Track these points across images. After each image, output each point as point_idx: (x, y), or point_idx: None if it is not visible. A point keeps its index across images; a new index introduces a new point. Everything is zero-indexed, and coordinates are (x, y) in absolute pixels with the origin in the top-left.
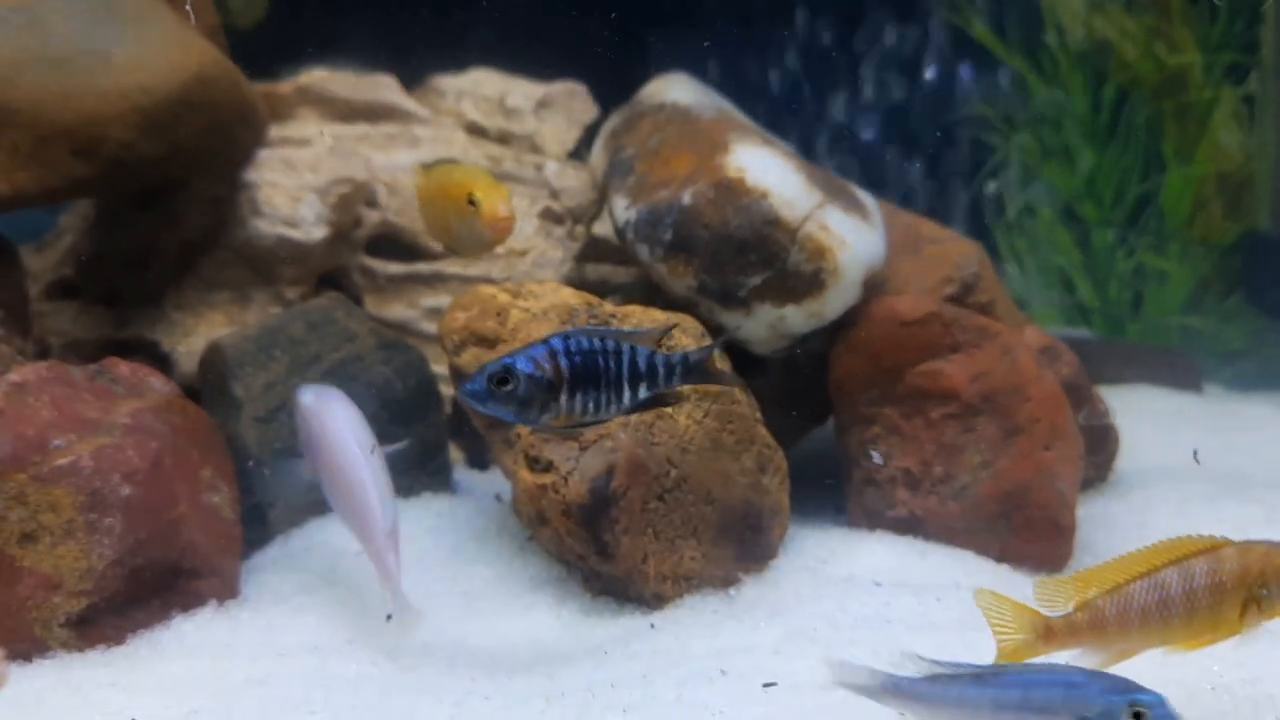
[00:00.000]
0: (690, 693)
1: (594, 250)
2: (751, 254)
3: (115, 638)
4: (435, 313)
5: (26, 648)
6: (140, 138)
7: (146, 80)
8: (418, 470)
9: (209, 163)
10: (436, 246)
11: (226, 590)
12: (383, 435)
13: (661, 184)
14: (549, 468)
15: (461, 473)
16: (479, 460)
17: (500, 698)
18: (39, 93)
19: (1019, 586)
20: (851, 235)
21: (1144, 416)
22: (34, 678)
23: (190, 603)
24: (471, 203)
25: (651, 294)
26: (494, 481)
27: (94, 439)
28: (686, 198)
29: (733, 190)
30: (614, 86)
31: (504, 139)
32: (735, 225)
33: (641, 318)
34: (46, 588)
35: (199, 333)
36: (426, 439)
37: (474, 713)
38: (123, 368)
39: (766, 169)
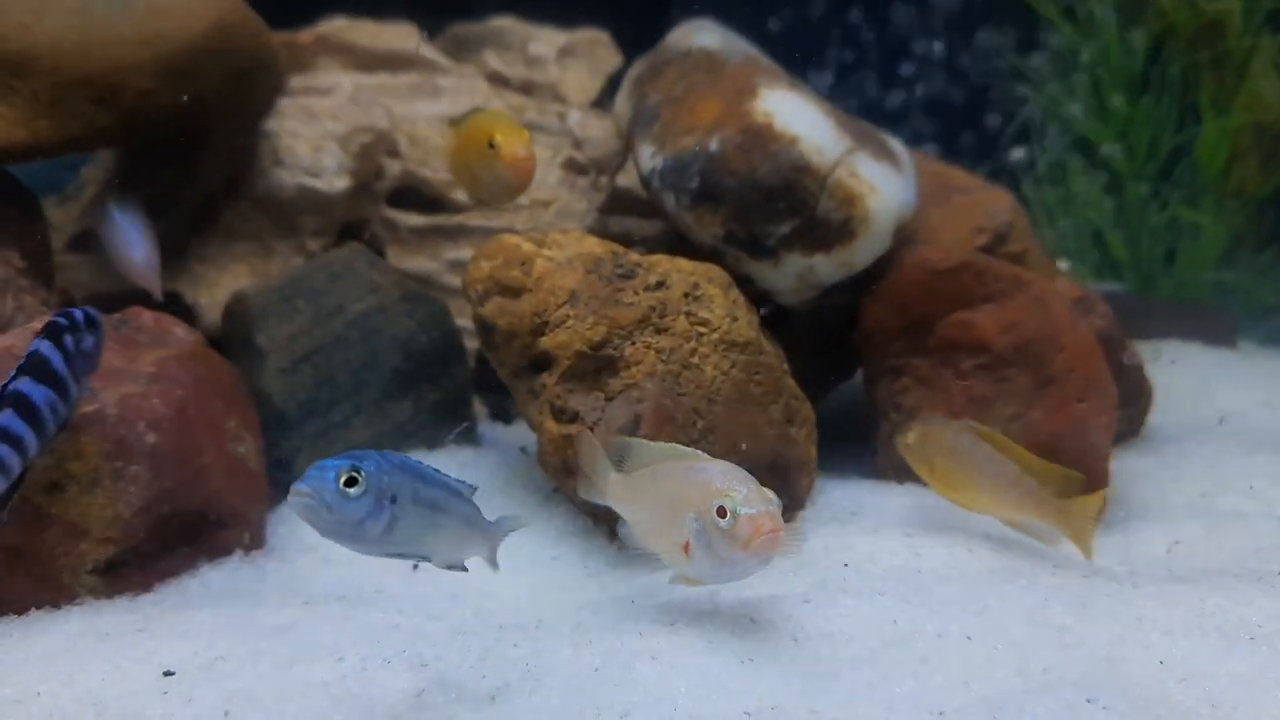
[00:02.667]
0: (720, 640)
1: (617, 202)
2: (780, 202)
3: (143, 585)
4: (458, 265)
5: (55, 595)
6: (160, 86)
7: (166, 27)
8: (442, 422)
9: (229, 112)
10: (460, 198)
11: (253, 540)
12: (406, 386)
13: (688, 131)
14: (575, 418)
15: (485, 426)
16: (503, 414)
17: (528, 645)
18: (59, 40)
19: (1053, 538)
20: (882, 182)
21: (1177, 372)
22: (63, 624)
23: (217, 552)
24: (492, 145)
25: (675, 247)
26: (518, 435)
27: (119, 387)
28: (714, 145)
29: (761, 136)
30: (637, 34)
31: (526, 88)
32: (763, 172)
33: (668, 267)
34: (74, 535)
35: (222, 284)
36: (451, 391)
37: (502, 659)
38: (146, 317)
39: (795, 114)
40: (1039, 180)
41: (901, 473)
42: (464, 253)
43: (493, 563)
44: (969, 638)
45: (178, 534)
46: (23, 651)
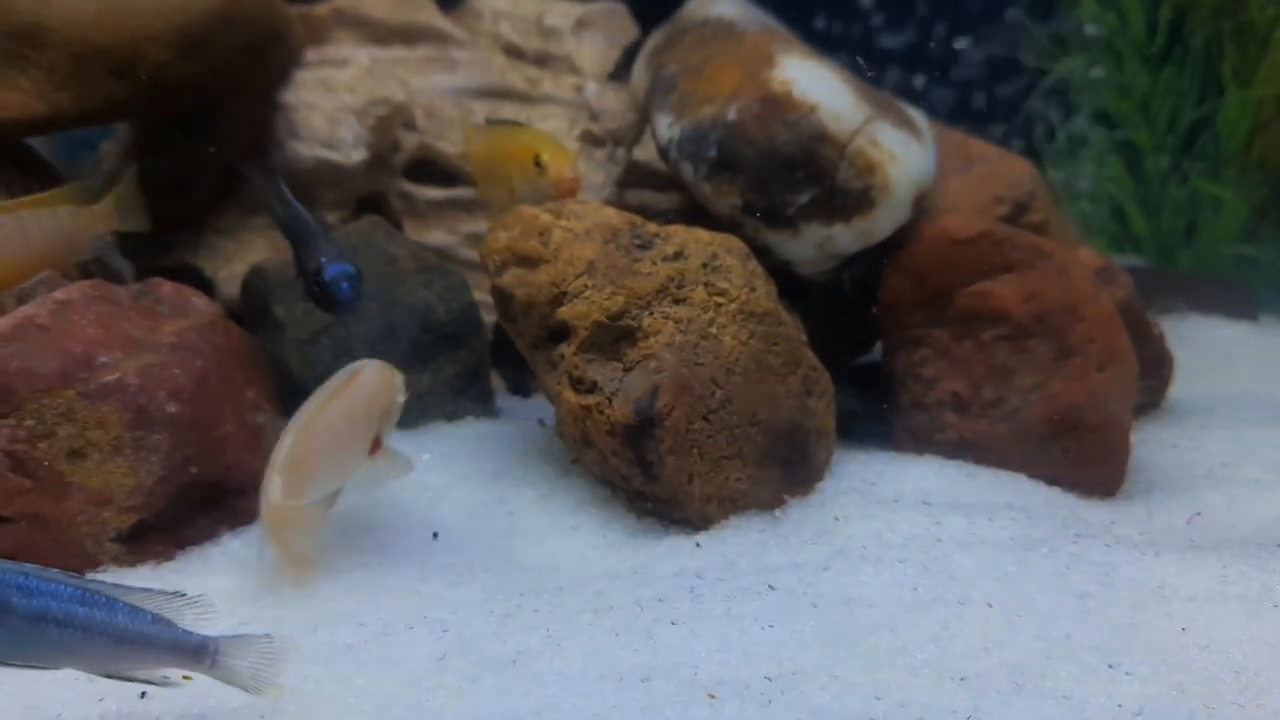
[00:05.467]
0: (739, 606)
1: (634, 175)
2: (799, 171)
3: (164, 554)
4: (475, 238)
5: (79, 562)
6: (176, 57)
7: None
8: (461, 395)
9: (245, 83)
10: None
11: None
12: (424, 358)
13: (706, 100)
14: (593, 389)
15: (503, 399)
16: (520, 387)
17: (549, 611)
18: (75, 11)
19: (1073, 510)
20: (902, 151)
21: (1198, 345)
22: None
23: (237, 520)
24: (538, 164)
25: (693, 220)
26: (535, 407)
27: (140, 357)
28: (731, 114)
29: (779, 105)
30: (652, 5)
31: (542, 60)
32: (782, 141)
33: (686, 237)
34: (96, 503)
35: (240, 258)
36: (469, 363)
37: (523, 625)
38: (166, 288)
39: (814, 82)
40: (1059, 154)
41: (920, 443)
42: (481, 226)
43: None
44: (990, 605)
45: (199, 502)
46: None
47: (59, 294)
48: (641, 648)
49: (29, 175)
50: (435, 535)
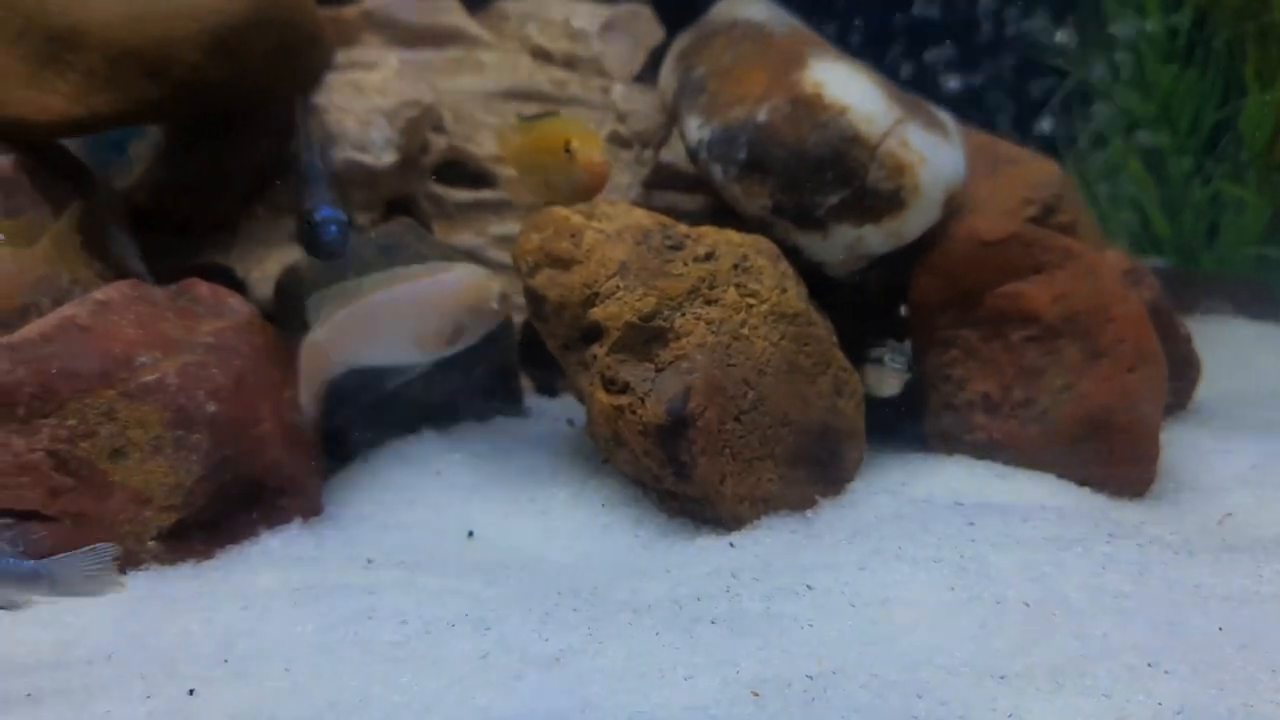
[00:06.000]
0: (777, 606)
1: (660, 176)
2: (829, 172)
3: (204, 552)
4: (503, 240)
5: (121, 561)
6: (210, 60)
7: (216, 2)
8: (491, 394)
9: (278, 86)
10: (506, 173)
11: (310, 508)
12: (457, 360)
13: (735, 102)
14: (625, 389)
15: (531, 399)
16: (548, 388)
17: (587, 609)
18: (111, 14)
19: (1104, 510)
20: (932, 152)
21: (1222, 346)
22: (129, 589)
23: (276, 519)
24: (568, 151)
25: (719, 222)
26: (564, 407)
27: (179, 357)
28: (762, 115)
29: (810, 106)
30: (677, 8)
31: (569, 62)
32: (812, 142)
33: (717, 239)
34: (137, 502)
35: (271, 259)
36: (499, 363)
37: (563, 623)
38: (202, 288)
39: (845, 84)
40: (1080, 155)
41: (950, 444)
42: (509, 228)
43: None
44: (1027, 604)
45: (238, 501)
46: (92, 614)
47: (98, 294)
48: (682, 646)
49: (64, 178)
50: (470, 534)
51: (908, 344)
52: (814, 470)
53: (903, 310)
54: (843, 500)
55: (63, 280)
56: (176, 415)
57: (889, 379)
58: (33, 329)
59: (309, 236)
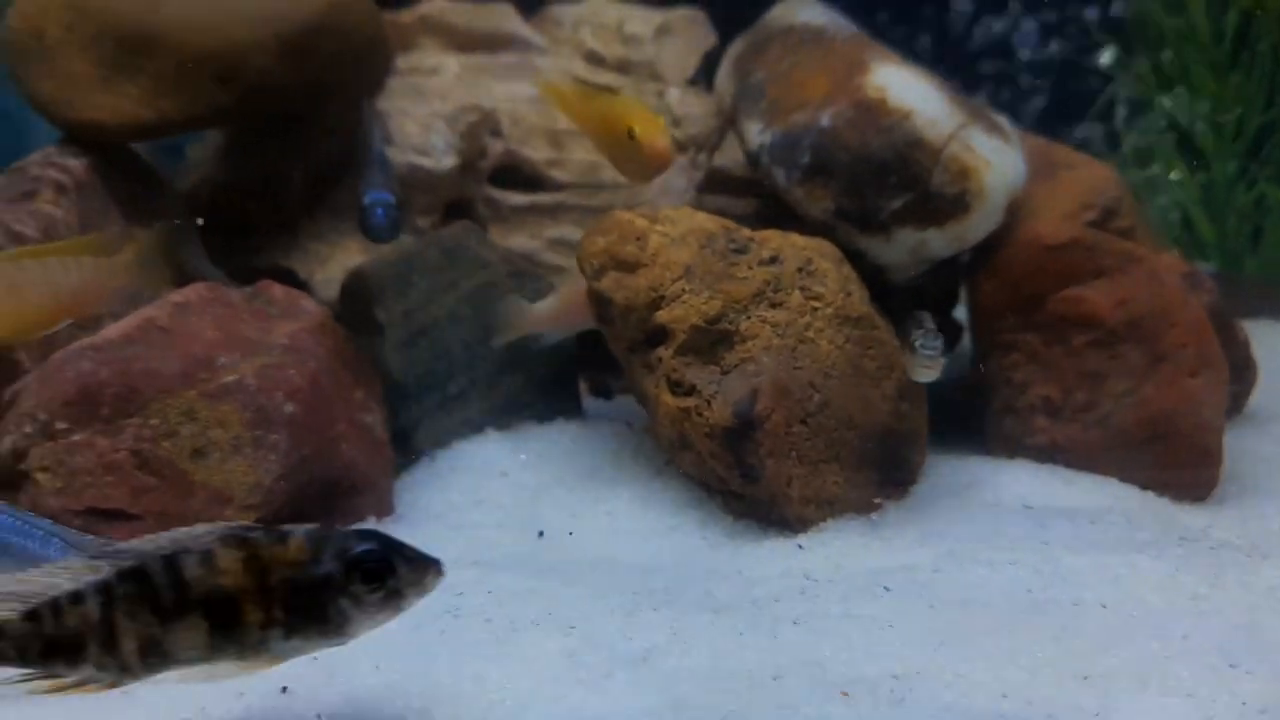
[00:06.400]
0: (856, 607)
1: (713, 181)
2: (892, 176)
3: None
4: (558, 244)
5: None
6: (278, 64)
7: (285, 6)
8: (550, 396)
9: (343, 90)
10: (560, 176)
11: (383, 507)
12: (517, 361)
13: (797, 106)
14: (691, 391)
15: (586, 402)
16: (602, 389)
17: (667, 609)
18: (182, 19)
19: (1169, 514)
20: (995, 157)
21: (1272, 351)
22: None
23: (350, 519)
24: (631, 136)
25: (769, 225)
26: (620, 409)
27: (256, 358)
28: (825, 119)
29: (873, 111)
30: (727, 12)
31: (623, 67)
32: (876, 146)
33: (780, 242)
34: (218, 501)
35: (335, 260)
36: (559, 366)
37: (645, 622)
38: (276, 290)
39: (908, 89)
40: (1124, 160)
41: (1011, 447)
42: (564, 231)
43: None
44: (1104, 606)
45: (314, 501)
46: None
47: (176, 296)
48: (767, 646)
49: (134, 180)
50: (540, 534)
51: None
52: (878, 473)
53: (956, 314)
54: (907, 503)
55: (143, 293)
56: (256, 416)
57: (923, 366)
58: (114, 330)
59: (360, 220)
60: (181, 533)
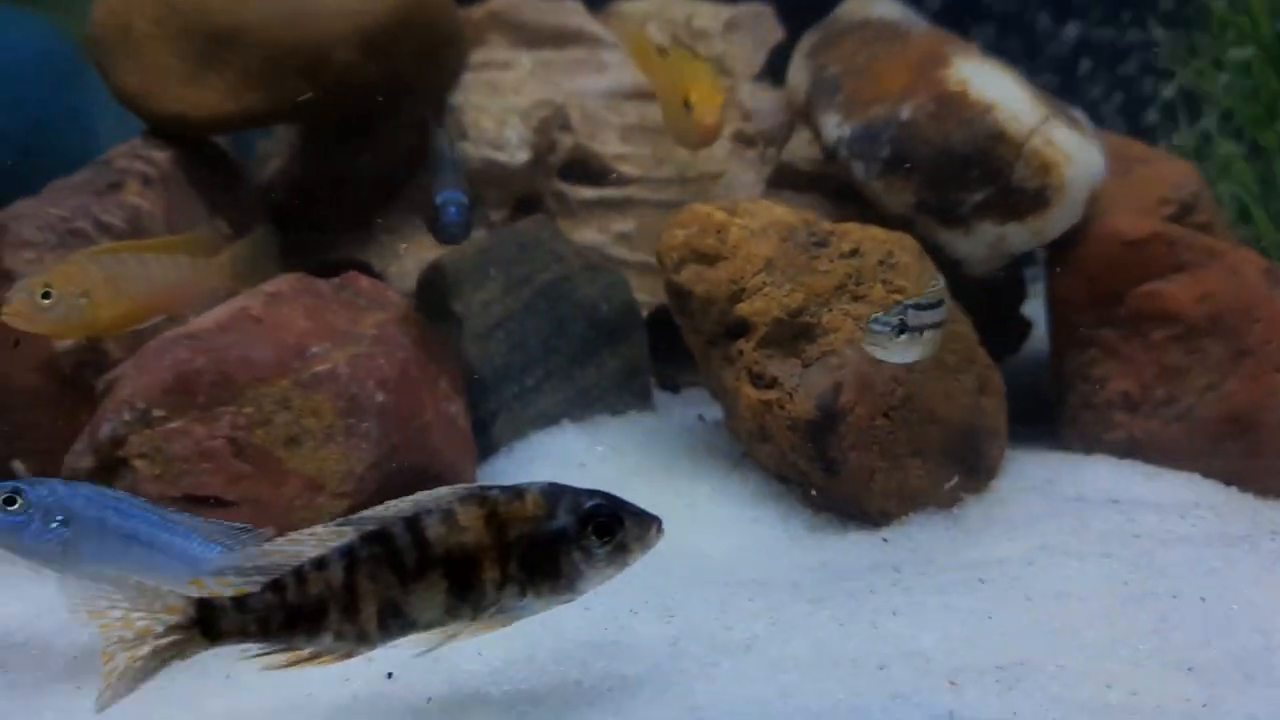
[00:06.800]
0: (953, 599)
1: (781, 175)
2: (974, 169)
3: None
4: (625, 238)
5: None
6: (360, 59)
7: (366, 3)
8: (622, 389)
9: (421, 85)
10: (628, 171)
11: None
12: (590, 353)
13: (875, 100)
14: (773, 384)
15: (655, 395)
16: (669, 383)
17: (762, 600)
18: (267, 13)
19: (1255, 508)
20: (1077, 151)
21: None
22: None
23: None
24: (687, 105)
25: (839, 220)
26: (689, 402)
27: (347, 348)
28: (905, 112)
29: (955, 104)
30: (798, 8)
31: None
32: (958, 140)
33: (861, 235)
34: (311, 489)
35: (408, 254)
36: (631, 359)
37: (744, 613)
38: (363, 282)
39: (989, 82)
40: (1185, 156)
41: (1089, 443)
42: (631, 225)
43: None
44: (1203, 599)
45: (403, 489)
46: None
47: (268, 286)
48: (868, 637)
49: (217, 173)
50: None
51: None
52: (958, 467)
53: (1023, 310)
54: (988, 497)
55: (236, 295)
56: (348, 404)
57: (870, 343)
58: (208, 319)
59: (431, 219)
60: (422, 495)
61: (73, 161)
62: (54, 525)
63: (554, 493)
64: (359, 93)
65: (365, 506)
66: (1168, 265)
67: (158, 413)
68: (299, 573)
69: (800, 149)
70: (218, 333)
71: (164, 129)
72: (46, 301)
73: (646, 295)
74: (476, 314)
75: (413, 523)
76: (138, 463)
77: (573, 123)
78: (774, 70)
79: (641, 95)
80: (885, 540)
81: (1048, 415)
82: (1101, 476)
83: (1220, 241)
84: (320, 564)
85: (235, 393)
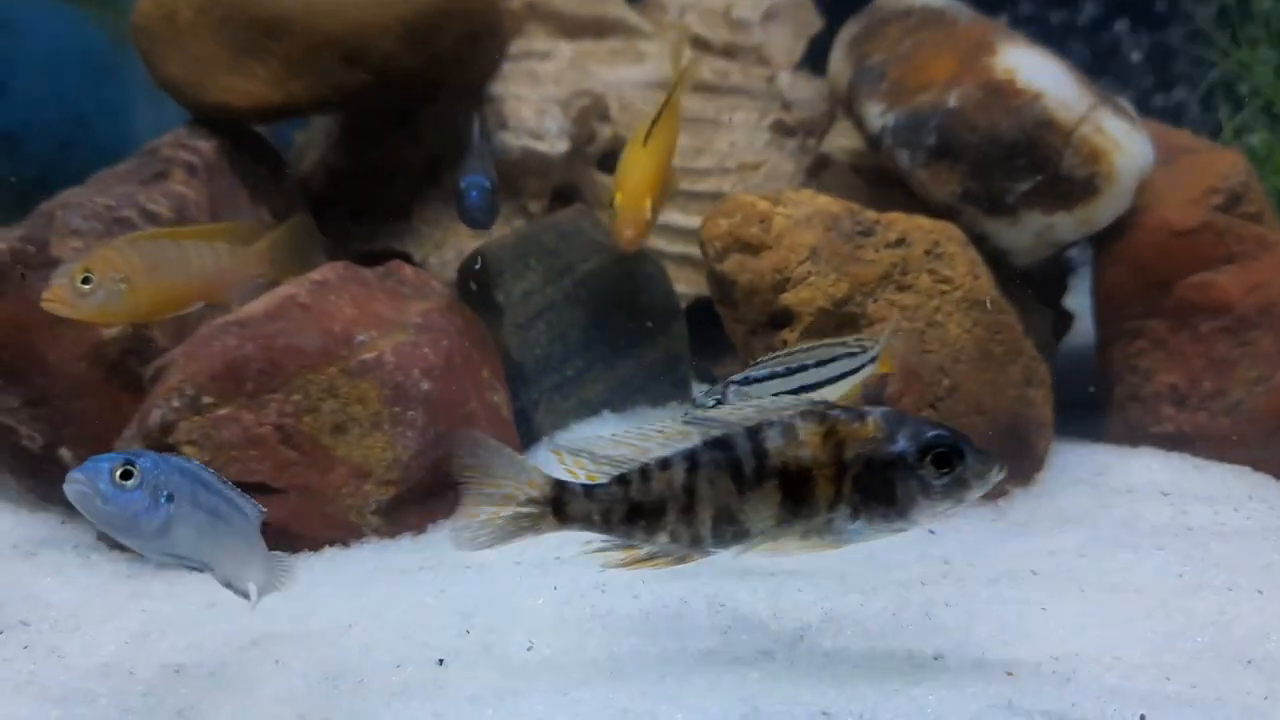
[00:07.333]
0: (1005, 590)
1: (819, 166)
2: (1021, 158)
3: (418, 526)
4: (662, 229)
5: (344, 533)
6: (403, 48)
7: None
8: (662, 380)
9: (462, 74)
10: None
11: None
12: (630, 343)
13: (921, 88)
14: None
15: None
16: (706, 375)
17: (812, 591)
18: (312, 3)
19: None
20: (1125, 139)
21: None
22: (357, 561)
23: None
24: (611, 205)
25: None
26: None
27: (393, 336)
28: (952, 100)
29: (1002, 92)
30: None
31: (729, 52)
32: (1005, 128)
33: (907, 225)
34: (358, 476)
35: (448, 244)
36: (670, 350)
37: (793, 603)
38: (407, 270)
39: (1037, 70)
40: (1224, 145)
41: (1136, 435)
42: (669, 216)
43: (253, 592)
44: (1260, 591)
45: (448, 478)
46: (328, 586)
47: (315, 274)
48: (922, 628)
49: (260, 162)
50: None
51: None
52: (1005, 459)
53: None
54: (1035, 490)
55: (272, 284)
56: (394, 393)
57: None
58: (256, 306)
59: (456, 203)
60: (767, 403)
61: (110, 154)
62: (162, 501)
63: (896, 418)
64: (400, 82)
65: (411, 493)
66: (1217, 256)
67: (207, 399)
68: (644, 470)
69: (838, 140)
70: (266, 320)
71: (208, 118)
72: (86, 287)
73: (684, 287)
74: (517, 304)
75: (754, 432)
76: (187, 449)
77: (612, 113)
78: (813, 60)
79: None
80: (931, 532)
81: (1090, 407)
82: (1151, 469)
83: (1271, 232)
84: (664, 464)
85: (283, 380)
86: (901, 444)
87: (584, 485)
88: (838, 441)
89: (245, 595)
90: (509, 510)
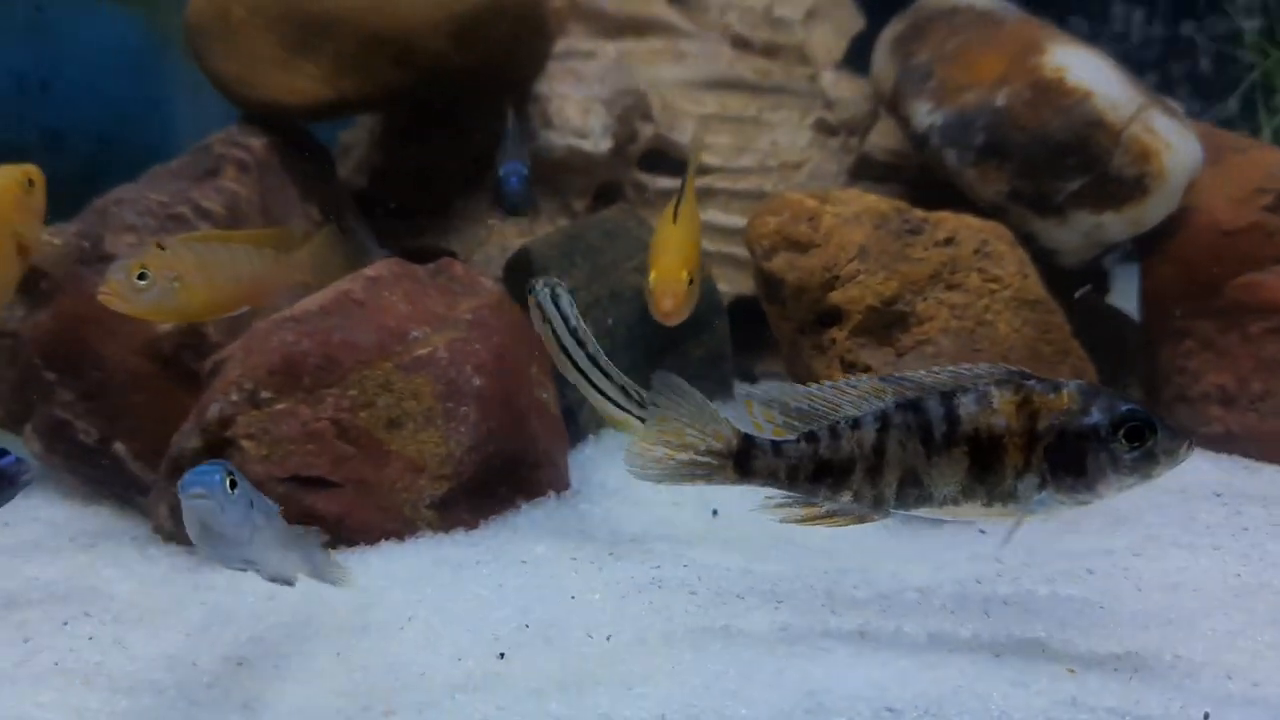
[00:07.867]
0: (1062, 589)
1: (862, 165)
2: (1070, 157)
3: (470, 521)
4: (704, 228)
5: (398, 527)
6: (453, 46)
7: None
8: (704, 378)
9: (509, 73)
10: (708, 160)
11: (560, 482)
12: (675, 341)
13: (967, 87)
14: (866, 372)
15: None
16: (746, 373)
17: (867, 588)
18: (362, 1)
19: None
20: (1175, 139)
21: None
22: (413, 554)
23: (532, 491)
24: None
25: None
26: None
27: (446, 332)
28: (1000, 99)
29: (1051, 91)
30: None
31: (770, 51)
32: (1054, 127)
33: (955, 224)
34: (413, 471)
35: (492, 242)
36: (713, 348)
37: (849, 600)
38: (457, 268)
39: (1087, 69)
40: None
41: None
42: (711, 214)
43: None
44: None
45: (499, 473)
46: (385, 579)
47: (369, 271)
48: (981, 624)
49: (309, 159)
50: (715, 512)
51: None
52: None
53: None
54: None
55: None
56: (447, 388)
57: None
58: (311, 302)
59: (495, 190)
60: (963, 368)
61: (151, 151)
62: (250, 509)
63: (1090, 390)
64: (448, 80)
65: (464, 488)
66: (1267, 256)
67: (265, 394)
68: (834, 429)
69: (880, 139)
70: (321, 316)
71: (259, 115)
72: (142, 283)
73: (725, 286)
74: None
75: (947, 396)
76: (245, 443)
77: (654, 113)
78: (854, 60)
79: (721, 85)
80: (982, 532)
81: None
82: (1201, 469)
83: None
84: (855, 424)
85: (339, 375)
86: (1095, 416)
87: (772, 441)
88: (1032, 411)
89: (290, 582)
90: (685, 455)
